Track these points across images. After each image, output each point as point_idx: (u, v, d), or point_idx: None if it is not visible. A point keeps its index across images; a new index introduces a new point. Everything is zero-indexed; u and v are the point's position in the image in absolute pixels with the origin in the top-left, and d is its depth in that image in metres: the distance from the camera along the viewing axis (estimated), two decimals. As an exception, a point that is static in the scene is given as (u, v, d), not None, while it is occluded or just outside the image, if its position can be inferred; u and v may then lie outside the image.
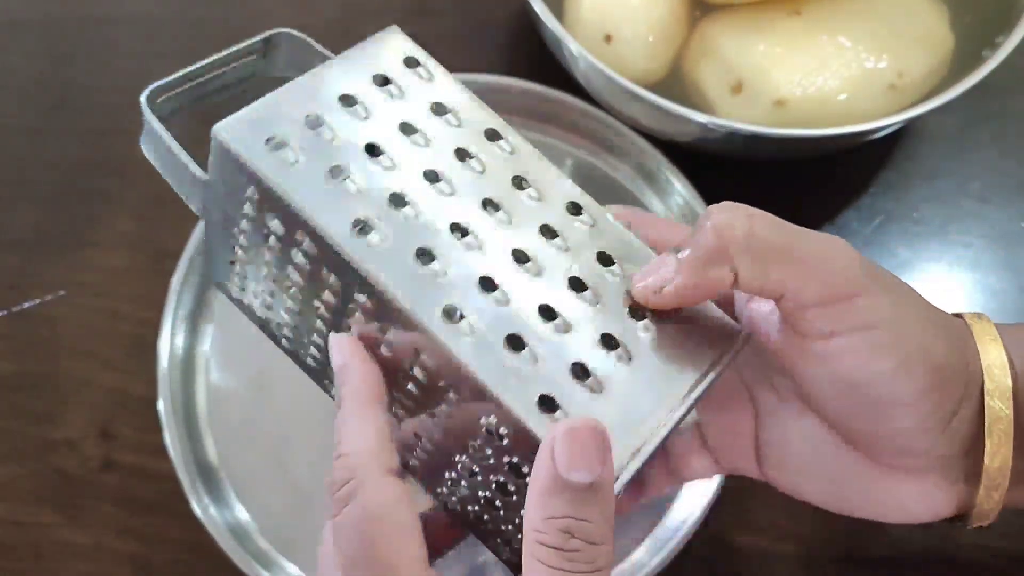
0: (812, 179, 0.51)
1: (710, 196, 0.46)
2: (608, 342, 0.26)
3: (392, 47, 0.30)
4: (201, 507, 0.42)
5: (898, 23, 0.45)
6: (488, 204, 0.27)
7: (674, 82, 0.48)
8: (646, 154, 0.48)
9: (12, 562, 0.45)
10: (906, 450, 0.29)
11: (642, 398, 0.26)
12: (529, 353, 0.25)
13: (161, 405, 0.44)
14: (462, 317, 0.25)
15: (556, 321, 0.26)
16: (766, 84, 0.44)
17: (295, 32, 0.30)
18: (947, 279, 0.50)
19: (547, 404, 0.25)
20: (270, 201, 0.26)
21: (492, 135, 0.29)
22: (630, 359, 0.26)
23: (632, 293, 0.27)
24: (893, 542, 0.44)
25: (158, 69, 0.56)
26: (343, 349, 0.27)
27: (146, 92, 0.29)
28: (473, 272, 0.26)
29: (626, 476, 0.25)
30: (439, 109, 0.29)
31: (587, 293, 0.27)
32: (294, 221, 0.26)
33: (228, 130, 0.27)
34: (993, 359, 0.29)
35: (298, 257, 0.27)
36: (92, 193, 0.53)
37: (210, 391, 0.46)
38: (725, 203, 0.27)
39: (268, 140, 0.26)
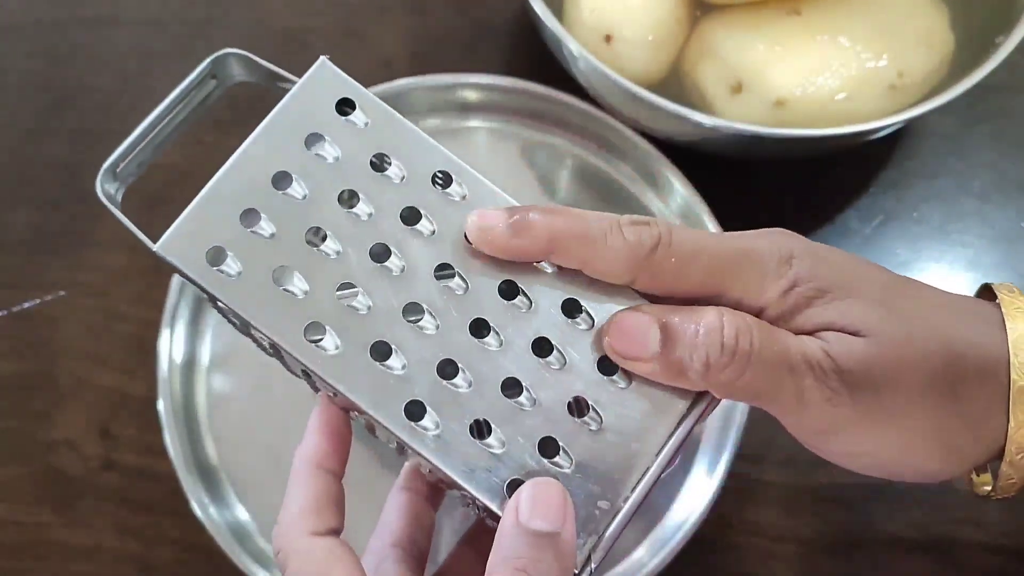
0: (812, 179, 0.51)
1: (710, 196, 0.46)
2: (578, 407, 0.26)
3: (323, 89, 0.28)
4: (201, 507, 0.42)
5: (898, 23, 0.45)
6: (443, 268, 0.26)
7: (674, 82, 0.48)
8: (646, 154, 0.48)
9: (12, 562, 0.45)
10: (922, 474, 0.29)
11: (614, 464, 0.26)
12: (495, 439, 0.25)
13: (161, 405, 0.44)
14: (424, 413, 0.25)
15: (521, 397, 0.26)
16: (766, 84, 0.44)
17: (240, 52, 0.29)
18: (947, 279, 0.50)
19: (517, 485, 0.25)
20: (226, 308, 0.26)
21: (444, 179, 0.27)
22: (600, 423, 0.26)
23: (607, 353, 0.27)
24: (893, 541, 0.44)
25: (157, 69, 0.56)
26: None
27: (100, 175, 0.28)
28: (432, 360, 0.26)
29: (599, 555, 0.25)
30: (380, 162, 0.27)
31: (553, 356, 0.26)
32: (251, 327, 0.26)
33: (168, 248, 0.27)
34: (1021, 333, 0.27)
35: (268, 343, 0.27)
36: (91, 193, 0.53)
37: (210, 391, 0.46)
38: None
39: (208, 251, 0.26)
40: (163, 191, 0.53)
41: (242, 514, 0.44)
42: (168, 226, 0.52)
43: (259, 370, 0.47)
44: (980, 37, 0.46)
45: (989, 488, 0.30)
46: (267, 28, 0.57)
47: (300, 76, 0.28)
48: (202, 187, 0.50)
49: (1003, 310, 0.28)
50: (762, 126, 0.43)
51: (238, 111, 0.54)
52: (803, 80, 0.44)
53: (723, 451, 0.42)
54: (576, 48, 0.44)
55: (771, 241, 0.27)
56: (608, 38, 0.46)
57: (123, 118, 0.55)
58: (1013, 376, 0.27)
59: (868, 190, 0.51)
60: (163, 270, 0.48)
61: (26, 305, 0.50)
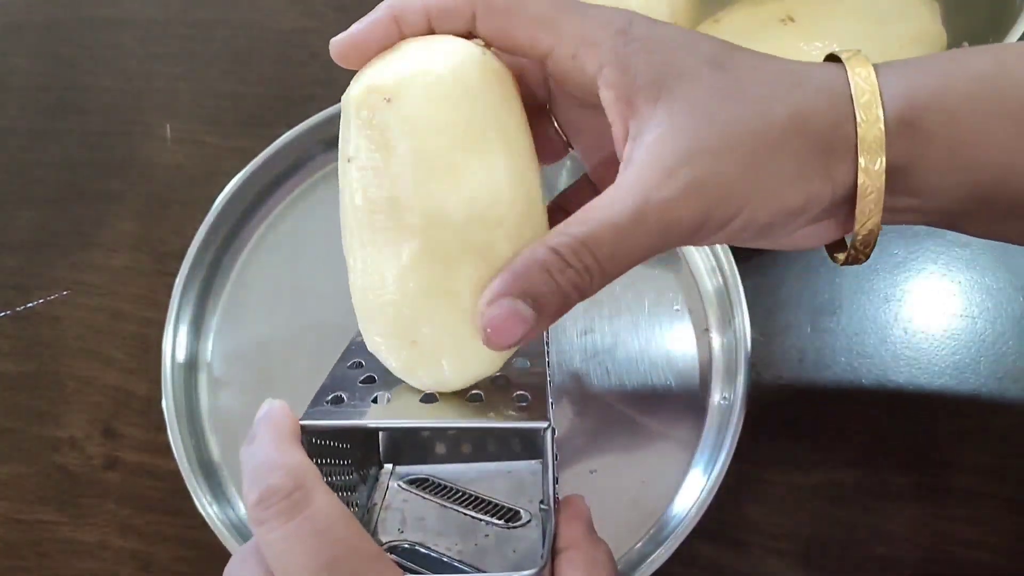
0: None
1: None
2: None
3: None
4: (204, 505, 0.42)
5: (891, 24, 0.46)
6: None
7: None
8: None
9: (16, 560, 0.46)
10: (776, 230, 0.29)
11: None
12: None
13: (165, 404, 0.44)
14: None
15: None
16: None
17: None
18: (944, 279, 0.50)
19: None
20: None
21: None
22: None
23: None
24: (893, 541, 0.44)
25: (159, 71, 0.56)
26: (267, 405, 0.29)
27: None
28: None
29: None
30: None
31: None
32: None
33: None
34: (864, 106, 0.27)
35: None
36: (95, 194, 0.53)
37: (213, 390, 0.47)
38: None
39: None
40: (165, 191, 0.53)
41: (244, 512, 0.44)
42: (170, 226, 0.53)
43: (261, 369, 0.47)
44: (973, 32, 0.46)
45: (844, 255, 0.30)
46: (268, 29, 0.57)
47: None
48: (204, 188, 0.51)
49: (846, 65, 0.28)
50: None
51: (238, 113, 0.55)
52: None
53: (721, 450, 0.43)
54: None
55: (615, 13, 0.28)
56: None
57: (126, 119, 0.55)
58: (859, 173, 0.27)
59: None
60: (165, 270, 0.48)
61: (30, 305, 0.51)
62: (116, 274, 0.51)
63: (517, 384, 0.32)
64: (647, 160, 0.26)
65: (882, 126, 0.27)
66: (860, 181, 0.27)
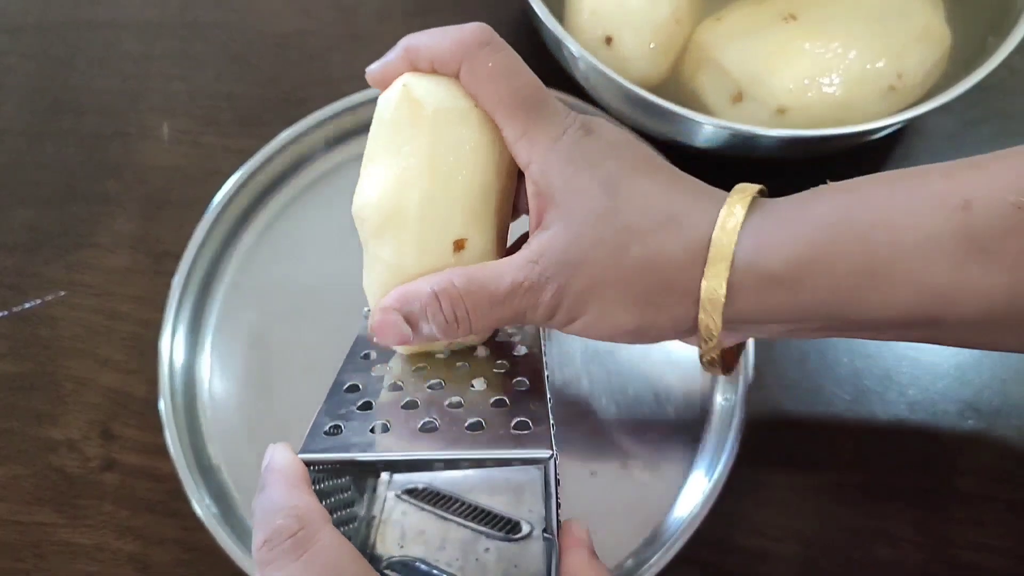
0: (812, 179, 0.51)
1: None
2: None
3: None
4: (202, 507, 0.42)
5: (894, 22, 0.45)
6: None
7: (674, 83, 0.48)
8: (646, 155, 0.48)
9: (13, 562, 0.45)
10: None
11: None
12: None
13: (162, 405, 0.44)
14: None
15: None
16: (766, 93, 0.45)
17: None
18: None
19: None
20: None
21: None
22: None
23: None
24: (894, 542, 0.44)
25: (156, 71, 0.56)
26: (271, 452, 0.30)
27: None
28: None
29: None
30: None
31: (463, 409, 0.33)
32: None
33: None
34: (712, 260, 0.31)
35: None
36: (92, 194, 0.53)
37: (211, 391, 0.46)
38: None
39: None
40: (163, 192, 0.53)
41: (243, 513, 0.44)
42: (167, 226, 0.53)
43: (259, 370, 0.47)
44: (978, 29, 0.46)
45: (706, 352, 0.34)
46: (267, 31, 0.57)
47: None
48: (201, 188, 0.51)
49: (722, 210, 0.32)
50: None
51: (236, 113, 0.55)
52: (803, 87, 0.44)
53: (723, 451, 0.42)
54: (576, 49, 0.44)
55: (558, 119, 0.33)
56: (608, 40, 0.46)
57: (123, 120, 0.55)
58: (714, 243, 0.31)
59: (868, 190, 0.52)
60: (163, 270, 0.48)
61: (27, 306, 0.50)
62: (113, 274, 0.51)
63: (518, 409, 0.32)
64: (533, 254, 0.32)
65: (726, 268, 0.31)
66: (700, 318, 0.32)
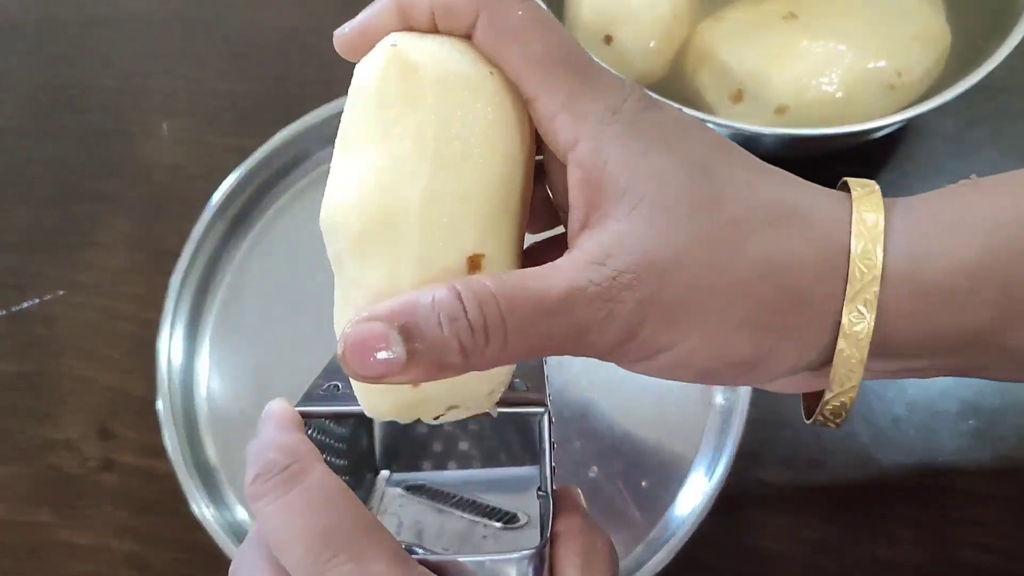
0: (812, 179, 0.51)
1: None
2: None
3: None
4: (200, 507, 0.42)
5: (894, 21, 0.45)
6: None
7: (675, 81, 0.48)
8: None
9: (11, 561, 0.45)
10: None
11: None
12: None
13: (160, 405, 0.44)
14: None
15: None
16: (767, 92, 0.45)
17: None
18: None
19: None
20: None
21: None
22: None
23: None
24: (894, 542, 0.44)
25: (157, 69, 0.56)
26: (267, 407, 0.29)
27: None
28: None
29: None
30: None
31: None
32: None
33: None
34: (861, 259, 0.24)
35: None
36: (92, 193, 0.53)
37: (209, 391, 0.46)
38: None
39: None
40: (163, 191, 0.53)
41: (241, 514, 0.44)
42: (167, 225, 0.53)
43: (258, 370, 0.47)
44: (977, 29, 0.46)
45: (812, 419, 0.27)
46: (267, 28, 0.57)
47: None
48: (202, 186, 0.51)
49: (853, 205, 0.25)
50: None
51: (236, 112, 0.55)
52: (803, 86, 0.44)
53: (722, 451, 0.42)
54: (576, 48, 0.44)
55: (613, 85, 0.25)
56: (608, 38, 0.46)
57: (123, 118, 0.55)
58: (840, 337, 0.24)
59: (868, 190, 0.52)
60: (162, 270, 0.48)
61: (26, 305, 0.50)
62: (113, 274, 0.51)
63: (515, 372, 0.32)
64: (599, 253, 0.23)
65: (876, 289, 0.23)
66: (839, 347, 0.24)
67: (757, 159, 0.26)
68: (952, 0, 0.48)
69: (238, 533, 0.42)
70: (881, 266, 0.23)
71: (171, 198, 0.52)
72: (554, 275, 0.23)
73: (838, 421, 0.27)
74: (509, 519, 0.34)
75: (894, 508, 0.45)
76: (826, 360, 0.25)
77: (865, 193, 0.25)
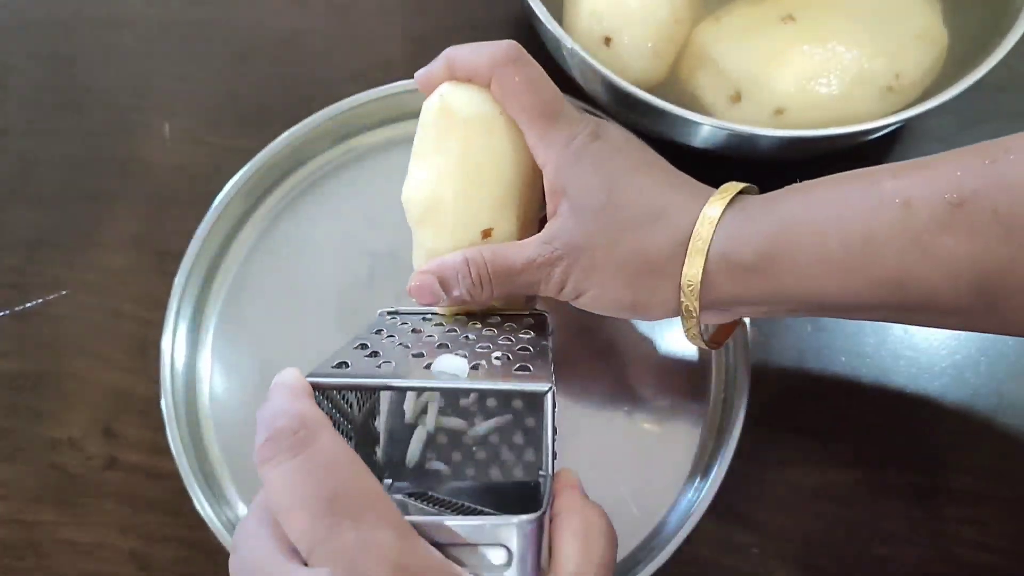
0: (810, 179, 0.52)
1: (708, 196, 0.46)
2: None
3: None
4: (203, 505, 0.42)
5: (891, 23, 0.45)
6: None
7: (673, 83, 0.49)
8: (645, 154, 0.48)
9: (14, 560, 0.46)
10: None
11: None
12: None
13: (164, 404, 0.44)
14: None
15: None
16: (765, 94, 0.45)
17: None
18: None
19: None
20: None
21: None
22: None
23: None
24: (893, 542, 0.44)
25: (159, 70, 0.56)
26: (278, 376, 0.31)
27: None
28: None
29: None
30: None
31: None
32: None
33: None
34: (693, 250, 0.36)
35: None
36: (95, 193, 0.53)
37: (213, 390, 0.47)
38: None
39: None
40: (165, 191, 0.53)
41: (243, 512, 0.44)
42: (169, 225, 0.53)
43: (261, 369, 0.47)
44: (974, 30, 0.46)
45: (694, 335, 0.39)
46: (268, 28, 0.57)
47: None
48: (203, 187, 0.51)
49: (704, 205, 0.37)
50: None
51: (238, 112, 0.55)
52: (801, 87, 0.44)
53: (722, 450, 0.43)
54: (575, 50, 0.44)
55: (571, 125, 0.38)
56: (607, 40, 0.46)
57: (125, 118, 0.55)
58: (693, 237, 0.36)
59: (866, 190, 0.52)
60: (165, 270, 0.48)
61: (29, 305, 0.51)
62: (116, 273, 0.51)
63: (519, 357, 0.35)
64: (547, 237, 0.38)
65: (702, 260, 0.35)
66: (681, 298, 0.36)
67: (665, 171, 0.39)
68: (950, 1, 0.48)
69: (240, 531, 0.42)
70: (708, 247, 0.35)
71: (173, 198, 0.53)
72: (522, 250, 0.38)
73: (699, 343, 0.39)
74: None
75: (892, 507, 0.45)
76: (680, 309, 0.37)
77: (720, 196, 0.37)
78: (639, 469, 0.44)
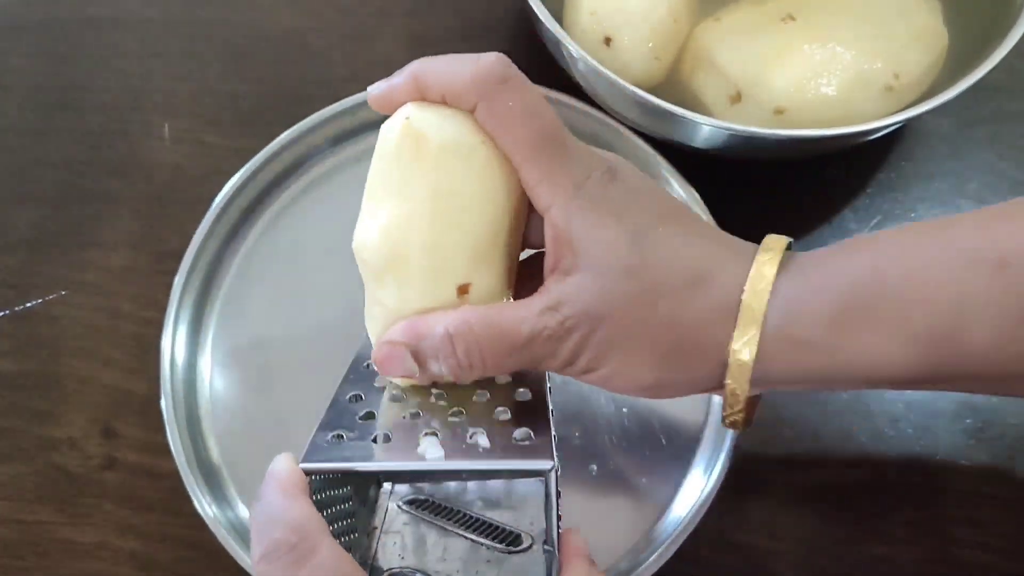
0: (810, 179, 0.52)
1: (708, 196, 0.46)
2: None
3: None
4: (203, 505, 0.42)
5: (891, 23, 0.46)
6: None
7: (673, 83, 0.49)
8: (645, 155, 0.48)
9: (14, 560, 0.46)
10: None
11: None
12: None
13: (163, 404, 0.44)
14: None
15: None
16: (765, 93, 0.45)
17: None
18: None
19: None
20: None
21: None
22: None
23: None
24: (891, 540, 0.44)
25: (158, 70, 0.56)
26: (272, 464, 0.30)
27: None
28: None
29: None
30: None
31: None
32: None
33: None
34: (742, 324, 0.30)
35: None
36: (94, 193, 0.53)
37: (212, 390, 0.47)
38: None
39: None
40: (164, 191, 0.53)
41: (244, 512, 0.44)
42: (169, 225, 0.53)
43: (261, 369, 0.47)
44: (975, 31, 0.46)
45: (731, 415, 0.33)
46: (268, 29, 0.57)
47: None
48: (203, 187, 0.51)
49: (753, 265, 0.31)
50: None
51: (237, 112, 0.55)
52: (801, 87, 0.44)
53: (721, 449, 0.43)
54: (575, 50, 0.44)
55: (582, 162, 0.32)
56: (607, 40, 0.46)
57: (124, 118, 0.55)
58: (744, 305, 0.30)
59: (866, 191, 0.52)
60: (164, 270, 0.48)
61: (28, 304, 0.51)
62: (115, 274, 0.51)
63: (520, 420, 0.32)
64: (553, 301, 0.31)
65: (757, 342, 0.30)
66: (727, 380, 0.31)
67: (694, 222, 0.33)
68: (950, 1, 0.48)
69: (241, 531, 0.42)
70: (762, 320, 0.30)
71: (172, 198, 0.53)
72: (522, 320, 0.31)
73: (738, 428, 0.33)
74: (512, 540, 0.34)
75: (891, 507, 0.45)
76: (718, 387, 0.32)
77: (768, 256, 0.31)
78: (638, 468, 0.44)
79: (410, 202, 0.31)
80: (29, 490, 0.47)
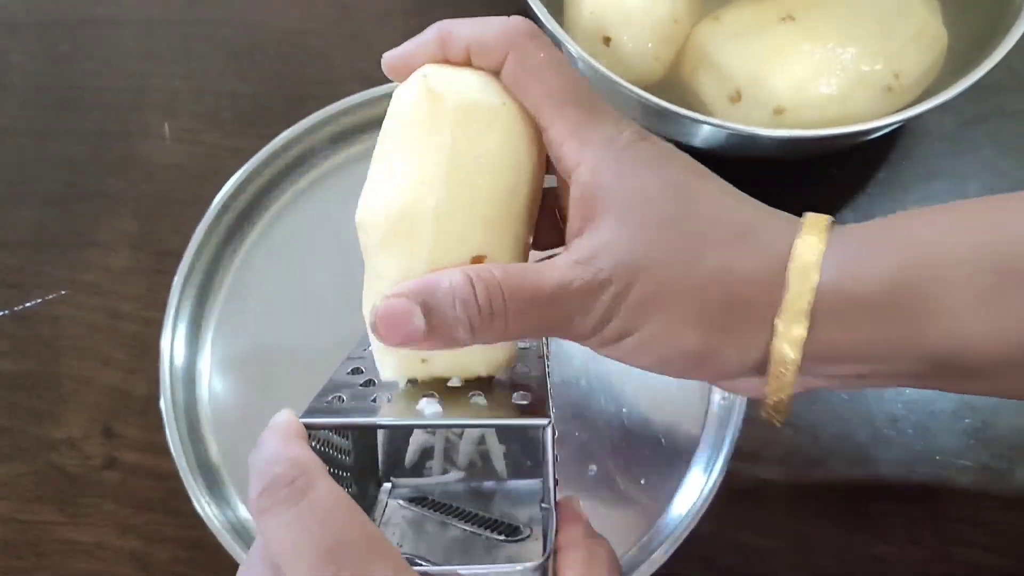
0: (810, 179, 0.52)
1: (708, 196, 0.46)
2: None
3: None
4: (202, 505, 0.42)
5: (891, 23, 0.46)
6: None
7: (673, 82, 0.49)
8: (645, 154, 0.48)
9: (14, 560, 0.46)
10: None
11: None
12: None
13: (163, 404, 0.44)
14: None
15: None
16: (764, 93, 0.45)
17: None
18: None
19: None
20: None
21: None
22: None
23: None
24: (894, 541, 0.44)
25: (158, 70, 0.56)
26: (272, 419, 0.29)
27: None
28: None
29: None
30: None
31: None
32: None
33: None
34: (797, 273, 0.27)
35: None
36: (94, 193, 0.53)
37: (212, 390, 0.47)
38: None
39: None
40: (164, 191, 0.53)
41: (243, 512, 0.44)
42: (169, 225, 0.53)
43: (260, 369, 0.47)
44: (974, 30, 0.46)
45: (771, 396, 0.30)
46: (268, 29, 0.57)
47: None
48: (203, 187, 0.51)
49: (801, 228, 0.28)
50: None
51: (237, 112, 0.55)
52: (801, 87, 0.44)
53: (720, 449, 0.43)
54: (575, 50, 0.44)
55: (613, 119, 0.29)
56: (607, 40, 0.46)
57: (125, 118, 0.55)
58: (774, 343, 0.27)
59: (866, 190, 0.52)
60: (164, 270, 0.48)
61: (28, 304, 0.51)
62: (115, 273, 0.51)
63: (518, 385, 0.32)
64: (586, 254, 0.28)
65: (810, 299, 0.27)
66: (774, 346, 0.27)
67: (728, 185, 0.30)
68: (950, 1, 0.48)
69: (240, 531, 0.42)
70: (816, 280, 0.27)
71: (172, 198, 0.53)
72: (549, 271, 0.28)
73: (779, 418, 0.30)
74: (511, 531, 0.34)
75: (891, 506, 0.45)
76: (762, 363, 0.28)
77: (814, 220, 0.29)
78: (638, 469, 0.44)
79: (424, 164, 0.28)
80: (29, 490, 0.47)
